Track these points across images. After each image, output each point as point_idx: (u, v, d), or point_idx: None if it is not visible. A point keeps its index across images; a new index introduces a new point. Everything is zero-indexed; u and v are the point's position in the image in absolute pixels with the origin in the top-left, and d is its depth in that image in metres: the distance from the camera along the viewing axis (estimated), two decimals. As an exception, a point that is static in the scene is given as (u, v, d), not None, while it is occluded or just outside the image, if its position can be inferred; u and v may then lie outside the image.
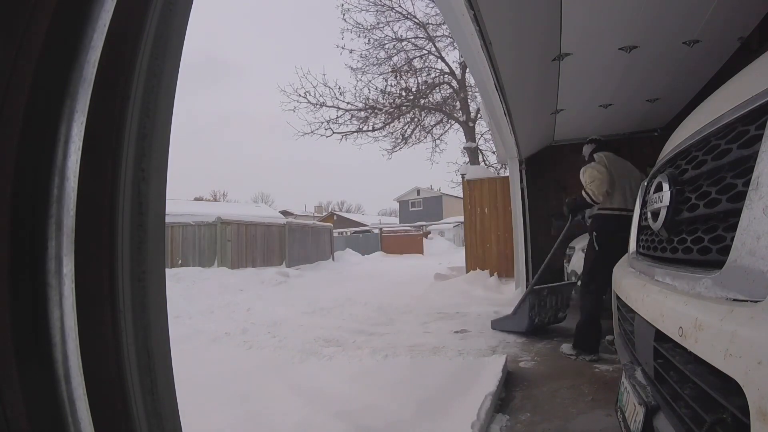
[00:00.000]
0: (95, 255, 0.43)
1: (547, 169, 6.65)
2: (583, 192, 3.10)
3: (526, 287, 4.64)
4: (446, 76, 13.61)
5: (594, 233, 3.02)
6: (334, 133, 13.74)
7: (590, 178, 3.02)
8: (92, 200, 0.42)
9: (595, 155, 3.29)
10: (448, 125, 14.41)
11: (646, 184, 1.29)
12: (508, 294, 6.22)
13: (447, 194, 32.40)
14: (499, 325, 3.90)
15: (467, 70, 11.12)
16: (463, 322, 4.56)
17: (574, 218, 3.48)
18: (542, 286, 3.71)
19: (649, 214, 1.06)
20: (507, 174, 6.92)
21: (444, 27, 11.79)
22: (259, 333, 4.31)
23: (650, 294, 0.93)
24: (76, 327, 0.41)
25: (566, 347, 3.15)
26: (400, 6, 12.70)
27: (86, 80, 0.42)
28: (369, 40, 13.04)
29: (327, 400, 2.29)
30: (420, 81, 13.36)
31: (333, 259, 15.61)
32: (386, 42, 13.06)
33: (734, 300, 0.62)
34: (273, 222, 13.39)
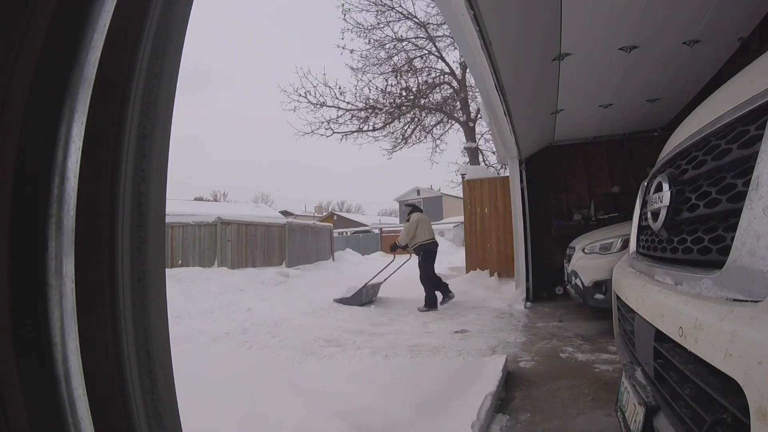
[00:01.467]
0: (95, 255, 0.43)
1: (547, 169, 6.66)
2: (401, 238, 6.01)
3: (526, 287, 5.99)
4: (446, 76, 13.61)
5: (421, 253, 5.84)
6: (334, 132, 13.74)
7: (404, 231, 5.95)
8: (92, 200, 0.42)
9: (410, 216, 6.07)
10: (448, 125, 14.41)
11: (646, 184, 1.29)
12: (509, 294, 6.22)
13: (447, 194, 32.40)
14: (343, 302, 5.93)
15: (467, 70, 11.13)
16: (463, 322, 4.56)
17: (394, 250, 6.21)
18: (368, 283, 6.24)
19: (649, 214, 1.06)
20: (507, 174, 6.92)
21: (444, 27, 11.79)
22: (259, 333, 4.31)
23: (650, 294, 0.93)
24: (76, 327, 0.41)
25: (421, 307, 5.60)
26: (400, 6, 12.72)
27: (86, 80, 0.42)
28: (369, 40, 13.05)
29: (327, 400, 2.29)
30: (420, 81, 13.36)
31: (333, 259, 15.60)
32: (386, 42, 13.07)
33: (734, 300, 0.62)
34: (273, 222, 13.39)
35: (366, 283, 6.17)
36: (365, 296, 6.07)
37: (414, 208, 6.22)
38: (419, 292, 5.97)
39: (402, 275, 7.03)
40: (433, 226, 6.27)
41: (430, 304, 5.59)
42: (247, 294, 7.24)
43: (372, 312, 5.48)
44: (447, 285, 5.81)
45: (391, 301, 6.43)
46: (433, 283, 5.70)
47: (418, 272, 5.82)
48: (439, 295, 5.71)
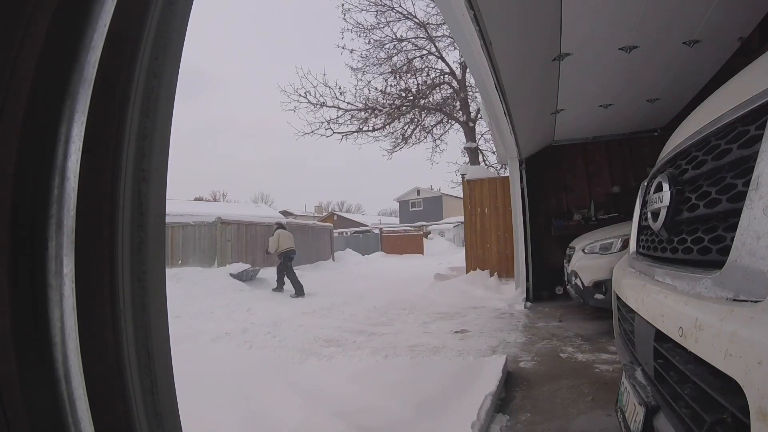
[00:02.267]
0: (95, 255, 0.43)
1: (547, 169, 6.66)
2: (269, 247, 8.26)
3: (526, 287, 5.96)
4: (446, 76, 13.60)
5: (283, 258, 7.99)
6: (334, 133, 13.73)
7: (271, 242, 8.18)
8: (92, 200, 0.42)
9: (276, 231, 8.23)
10: (448, 125, 14.40)
11: (646, 184, 1.29)
12: (509, 294, 6.22)
13: (447, 194, 32.41)
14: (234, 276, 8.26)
15: (467, 70, 11.12)
16: (463, 322, 4.56)
17: (269, 253, 8.57)
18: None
19: (649, 214, 1.06)
20: (507, 174, 6.92)
21: (444, 27, 11.79)
22: (259, 333, 4.31)
23: (650, 294, 0.93)
24: (76, 327, 0.41)
25: (293, 295, 7.62)
26: (400, 6, 12.71)
27: (86, 80, 0.42)
28: (369, 41, 13.04)
29: (327, 400, 2.29)
30: (420, 81, 13.35)
31: (333, 259, 15.60)
32: (386, 42, 13.06)
33: (734, 300, 0.62)
34: (273, 222, 13.37)
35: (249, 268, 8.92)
36: (246, 276, 8.59)
37: (279, 225, 8.55)
38: (423, 293, 5.97)
39: (403, 276, 7.05)
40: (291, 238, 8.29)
41: (279, 288, 8.13)
42: (247, 294, 7.24)
43: (372, 312, 5.49)
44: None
45: (391, 303, 6.45)
46: (283, 279, 8.05)
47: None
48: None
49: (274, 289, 8.00)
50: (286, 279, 7.96)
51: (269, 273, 9.07)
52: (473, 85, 11.07)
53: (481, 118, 12.33)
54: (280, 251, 7.97)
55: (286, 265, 7.97)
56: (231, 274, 8.29)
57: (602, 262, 3.67)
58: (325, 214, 41.49)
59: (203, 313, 5.55)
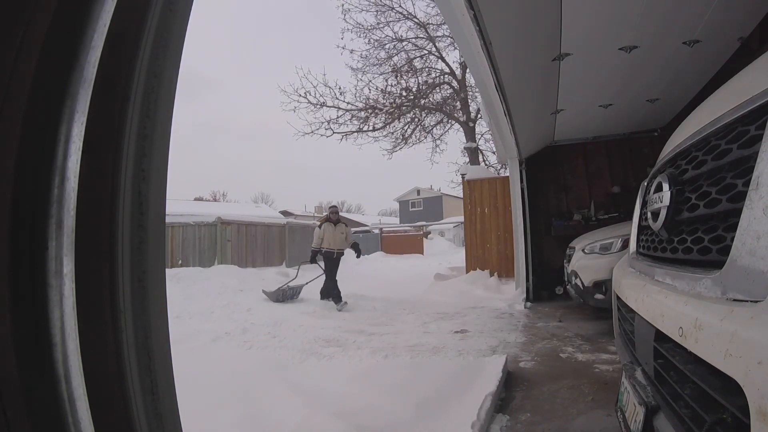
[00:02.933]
0: (95, 255, 0.43)
1: (547, 169, 6.66)
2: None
3: (526, 287, 6.02)
4: (446, 76, 13.60)
5: (324, 259, 6.50)
6: (334, 133, 13.73)
7: (315, 236, 6.62)
8: (92, 200, 0.42)
9: (321, 224, 6.69)
10: (449, 125, 14.40)
11: (646, 184, 1.29)
12: (509, 294, 6.22)
13: (447, 194, 32.38)
14: (269, 296, 6.51)
15: (467, 70, 11.12)
16: (463, 322, 4.56)
17: (315, 256, 6.74)
18: (294, 285, 6.93)
19: (649, 214, 1.06)
20: (507, 174, 6.92)
21: (444, 27, 11.79)
22: (259, 333, 4.31)
23: (650, 294, 0.93)
24: (77, 327, 0.41)
25: (333, 304, 6.09)
26: (400, 6, 12.71)
27: (86, 80, 0.42)
28: (369, 41, 13.04)
29: (327, 400, 2.29)
30: (420, 81, 13.35)
31: (333, 259, 15.58)
32: (386, 42, 13.06)
33: (734, 300, 0.62)
34: (273, 222, 13.40)
35: (287, 284, 6.96)
36: (283, 296, 6.68)
37: (332, 210, 6.94)
38: (423, 293, 6.13)
39: (403, 276, 7.02)
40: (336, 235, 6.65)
41: (328, 297, 6.35)
42: (247, 294, 7.24)
43: (372, 312, 5.48)
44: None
45: (391, 303, 6.41)
46: (330, 287, 6.38)
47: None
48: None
49: (334, 305, 6.08)
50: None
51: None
52: (473, 85, 11.07)
53: (481, 118, 12.34)
54: (325, 250, 6.43)
55: (327, 267, 6.44)
56: (264, 292, 6.62)
57: (602, 262, 3.67)
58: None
59: (203, 313, 5.54)
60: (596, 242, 3.97)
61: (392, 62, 13.23)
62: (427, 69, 13.43)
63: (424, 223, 29.30)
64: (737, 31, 3.33)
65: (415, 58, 13.33)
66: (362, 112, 13.58)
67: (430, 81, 13.43)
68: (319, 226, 6.67)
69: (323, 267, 6.57)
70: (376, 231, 25.37)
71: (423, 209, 37.20)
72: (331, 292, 6.29)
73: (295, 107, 13.34)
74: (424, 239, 23.15)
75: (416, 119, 14.03)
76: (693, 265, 0.82)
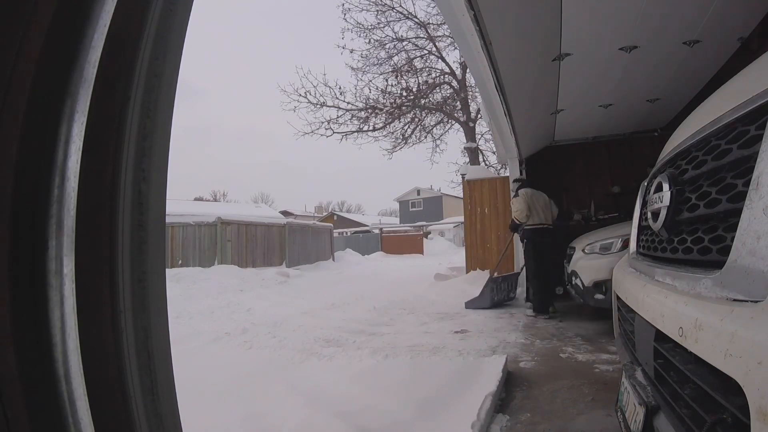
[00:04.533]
0: (95, 255, 0.43)
1: (547, 169, 6.66)
2: (513, 216, 4.96)
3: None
4: (446, 76, 13.59)
5: (525, 240, 4.88)
6: (334, 132, 13.72)
7: (515, 208, 4.87)
8: (92, 200, 0.42)
9: (519, 191, 4.98)
10: (449, 125, 14.39)
11: (646, 184, 1.29)
12: (509, 294, 6.21)
13: (447, 194, 32.40)
14: (471, 304, 5.22)
15: (467, 70, 11.12)
16: (463, 322, 4.55)
17: (515, 232, 5.18)
18: (498, 276, 5.45)
19: (649, 215, 1.06)
20: (507, 174, 6.91)
21: (444, 27, 11.78)
22: (260, 333, 4.31)
23: (650, 294, 0.93)
24: (77, 327, 0.41)
25: (529, 312, 4.75)
26: (400, 6, 12.70)
27: (86, 80, 0.42)
28: (369, 40, 13.04)
29: (327, 400, 2.29)
30: (420, 81, 13.34)
31: (333, 260, 15.61)
32: (387, 42, 13.06)
33: (734, 300, 0.62)
34: (273, 222, 13.39)
35: (492, 276, 5.09)
36: (497, 294, 5.12)
37: (523, 182, 5.15)
38: (423, 293, 6.09)
39: (403, 276, 7.03)
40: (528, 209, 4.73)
41: (540, 309, 4.60)
42: (247, 294, 7.24)
43: (372, 312, 5.48)
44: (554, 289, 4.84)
45: (391, 303, 6.41)
46: (543, 283, 4.68)
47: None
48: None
49: (532, 313, 4.65)
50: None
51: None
52: (473, 85, 11.06)
53: (481, 118, 12.33)
54: (529, 226, 4.69)
55: (537, 259, 4.68)
56: (467, 305, 5.07)
57: (602, 262, 3.67)
58: (325, 214, 41.50)
59: (203, 313, 5.54)
60: (596, 242, 3.97)
61: (392, 62, 13.24)
62: (427, 69, 13.43)
63: (424, 223, 29.31)
64: (737, 31, 3.33)
65: (415, 58, 13.33)
66: (362, 112, 13.58)
67: (430, 81, 13.42)
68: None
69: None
70: (376, 231, 25.38)
71: (423, 209, 37.20)
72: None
73: (295, 107, 13.34)
74: (424, 239, 23.16)
75: (416, 119, 14.02)
76: (693, 265, 0.82)
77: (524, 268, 5.10)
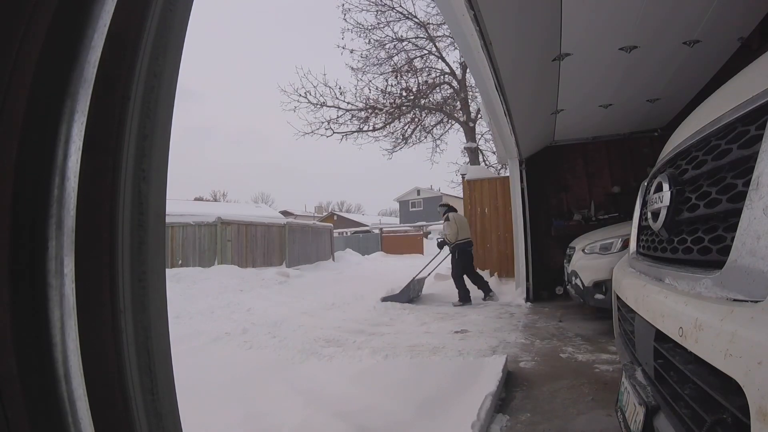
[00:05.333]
0: (95, 255, 0.43)
1: (547, 169, 6.66)
2: (445, 237, 6.24)
3: (526, 287, 6.07)
4: (446, 76, 13.59)
5: (457, 251, 6.04)
6: (334, 132, 13.73)
7: (449, 231, 6.13)
8: (92, 200, 0.42)
9: (449, 215, 6.27)
10: (449, 125, 14.39)
11: (646, 184, 1.29)
12: (509, 294, 6.22)
13: (447, 194, 32.36)
14: (389, 299, 5.98)
15: (467, 70, 11.12)
16: (463, 323, 4.56)
17: (442, 248, 6.51)
18: (414, 278, 6.59)
19: (649, 215, 1.06)
20: (507, 174, 6.92)
21: (444, 27, 11.78)
22: (260, 333, 4.31)
23: (650, 294, 0.93)
24: (77, 327, 0.41)
25: (456, 303, 5.86)
26: (400, 6, 12.70)
27: (86, 80, 0.42)
28: (369, 40, 13.04)
29: (327, 400, 2.29)
30: (420, 81, 13.34)
31: (333, 260, 15.60)
32: (387, 42, 13.06)
33: (734, 300, 0.62)
34: (273, 222, 13.39)
35: (413, 279, 6.49)
36: (412, 291, 6.36)
37: (449, 208, 6.52)
38: (423, 293, 6.42)
39: (403, 276, 7.04)
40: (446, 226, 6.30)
41: (465, 300, 5.92)
42: (247, 294, 7.24)
43: (372, 312, 5.48)
44: (487, 284, 6.15)
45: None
46: (464, 284, 5.99)
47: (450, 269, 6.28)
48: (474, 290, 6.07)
49: (458, 303, 5.83)
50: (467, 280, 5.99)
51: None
52: (473, 85, 11.07)
53: (481, 118, 12.33)
54: (459, 241, 5.99)
55: (464, 262, 5.97)
56: (383, 299, 5.89)
57: (602, 262, 3.67)
58: (325, 214, 41.51)
59: (203, 313, 5.54)
60: (596, 242, 3.97)
61: (392, 62, 13.24)
62: (427, 69, 13.44)
63: (424, 223, 29.30)
64: (737, 31, 3.33)
65: (415, 58, 13.33)
66: (362, 112, 13.58)
67: (430, 81, 13.43)
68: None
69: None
70: (376, 231, 25.37)
71: (423, 209, 37.20)
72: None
73: (295, 107, 13.35)
74: (424, 239, 23.15)
75: (416, 119, 14.03)
76: (693, 265, 0.81)
77: (428, 273, 6.90)
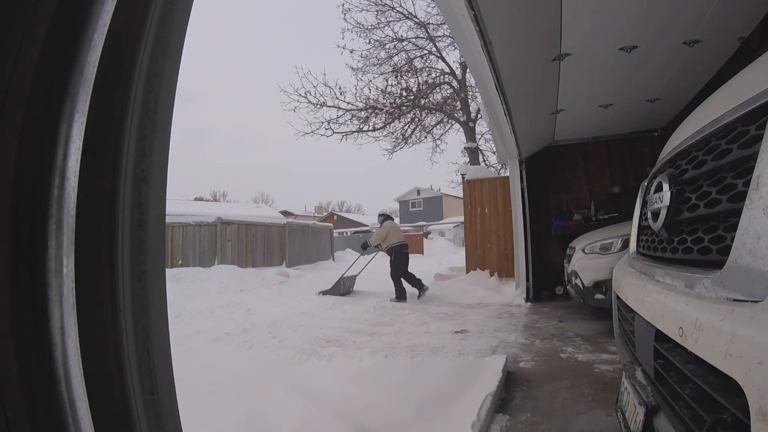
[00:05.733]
0: (95, 255, 0.43)
1: (547, 169, 6.66)
2: (371, 240, 7.09)
3: (526, 287, 6.07)
4: (447, 76, 13.59)
5: (393, 253, 6.74)
6: (334, 132, 13.72)
7: (375, 236, 6.96)
8: (92, 200, 0.42)
9: (384, 223, 7.05)
10: (449, 125, 14.39)
11: (646, 184, 1.29)
12: (509, 294, 6.22)
13: (447, 194, 32.39)
14: (324, 293, 6.96)
15: (467, 70, 11.13)
16: (463, 322, 4.56)
17: (365, 249, 7.47)
18: (343, 275, 7.36)
19: (649, 215, 1.06)
20: (507, 174, 6.92)
21: (445, 27, 11.78)
22: (260, 333, 4.31)
23: (650, 294, 0.93)
24: (76, 327, 0.41)
25: (393, 300, 6.40)
26: (400, 6, 12.70)
27: (86, 80, 0.42)
28: (369, 40, 13.04)
29: (327, 400, 2.29)
30: (420, 81, 13.34)
31: (333, 260, 15.60)
32: (387, 42, 13.06)
33: (734, 300, 0.62)
34: (273, 222, 13.39)
35: (342, 276, 7.34)
36: (343, 287, 7.19)
37: (386, 216, 7.44)
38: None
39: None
40: (402, 229, 7.27)
41: (401, 298, 6.54)
42: (247, 294, 7.24)
43: (372, 312, 5.49)
44: (420, 280, 6.75)
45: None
46: (401, 283, 6.67)
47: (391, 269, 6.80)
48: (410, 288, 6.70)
49: (394, 300, 6.44)
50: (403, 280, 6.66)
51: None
52: (473, 85, 11.07)
53: (481, 118, 12.33)
54: (389, 245, 6.76)
55: (399, 263, 6.68)
56: (322, 293, 6.95)
57: (602, 262, 3.67)
58: (325, 214, 41.52)
59: (203, 313, 5.54)
60: (596, 242, 3.97)
61: (392, 62, 13.24)
62: (427, 69, 13.44)
63: (424, 223, 29.31)
64: (737, 31, 3.33)
65: (415, 58, 13.33)
66: (362, 112, 13.58)
67: (430, 81, 13.42)
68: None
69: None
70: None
71: (423, 209, 37.20)
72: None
73: (295, 107, 13.34)
74: (424, 239, 23.15)
75: (416, 119, 14.03)
76: (693, 265, 0.81)
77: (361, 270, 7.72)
